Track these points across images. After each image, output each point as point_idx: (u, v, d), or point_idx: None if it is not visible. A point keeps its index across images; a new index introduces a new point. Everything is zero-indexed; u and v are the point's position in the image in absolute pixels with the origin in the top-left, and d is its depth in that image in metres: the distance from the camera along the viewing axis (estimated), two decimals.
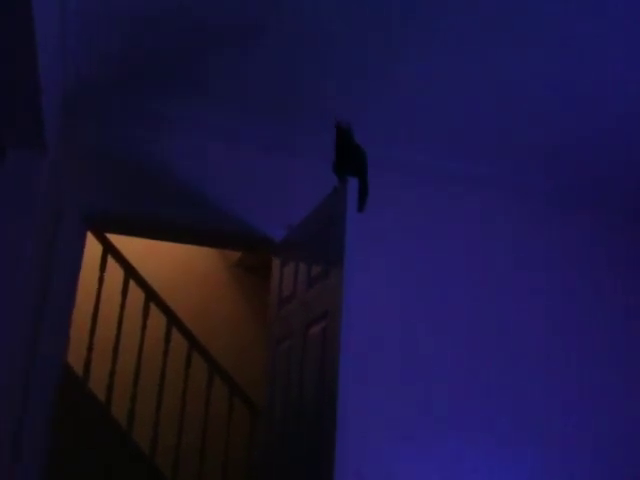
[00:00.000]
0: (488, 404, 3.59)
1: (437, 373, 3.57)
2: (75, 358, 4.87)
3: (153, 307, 5.00)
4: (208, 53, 3.07)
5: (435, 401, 3.53)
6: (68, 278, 3.32)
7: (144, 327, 4.83)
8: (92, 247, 5.31)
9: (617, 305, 3.95)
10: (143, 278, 4.96)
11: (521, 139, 3.59)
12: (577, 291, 3.91)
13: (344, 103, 3.38)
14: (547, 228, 3.97)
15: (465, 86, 3.19)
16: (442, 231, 3.81)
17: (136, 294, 5.11)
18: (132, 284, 4.99)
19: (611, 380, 3.81)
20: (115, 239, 5.40)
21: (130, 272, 4.88)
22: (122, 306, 4.79)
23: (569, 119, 3.38)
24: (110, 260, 4.94)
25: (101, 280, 4.72)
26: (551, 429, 3.64)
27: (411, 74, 3.14)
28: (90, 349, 4.61)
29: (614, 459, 3.69)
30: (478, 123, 3.48)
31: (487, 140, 3.62)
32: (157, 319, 5.15)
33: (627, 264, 4.04)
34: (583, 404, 3.74)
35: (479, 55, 2.96)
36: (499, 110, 3.36)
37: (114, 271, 5.10)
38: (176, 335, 5.10)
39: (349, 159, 2.84)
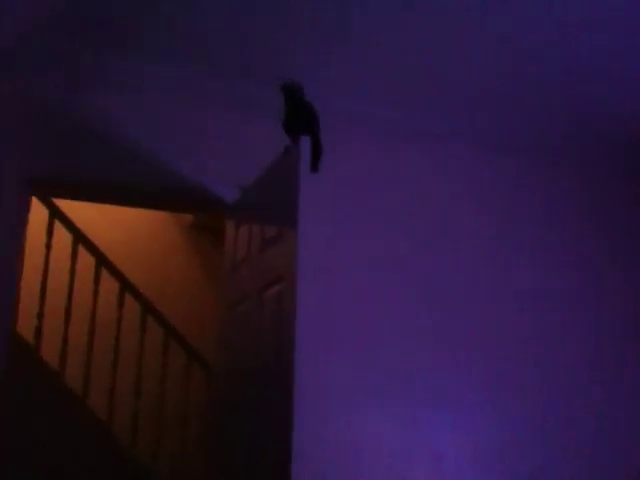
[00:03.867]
0: (448, 364, 3.60)
1: (398, 334, 3.55)
2: (26, 327, 4.75)
3: (105, 272, 4.89)
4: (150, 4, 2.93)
5: (393, 361, 3.52)
6: (13, 245, 3.21)
7: (96, 292, 4.72)
8: (39, 213, 5.15)
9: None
10: (93, 242, 4.84)
11: (492, 91, 3.53)
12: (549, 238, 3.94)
13: (300, 58, 3.26)
14: (527, 182, 3.97)
15: (434, 36, 3.09)
16: (403, 190, 3.74)
17: (87, 259, 4.97)
18: (82, 249, 4.87)
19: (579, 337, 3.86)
20: (63, 204, 5.24)
21: (79, 236, 4.75)
22: (72, 271, 4.67)
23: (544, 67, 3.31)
24: (58, 226, 4.80)
25: (49, 246, 4.58)
26: (512, 388, 3.66)
27: (371, 24, 3.02)
28: (40, 317, 4.50)
29: (575, 424, 3.75)
30: (444, 75, 3.40)
31: (451, 92, 3.55)
32: (109, 284, 5.03)
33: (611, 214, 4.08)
34: (552, 361, 3.77)
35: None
36: (470, 63, 3.28)
37: (63, 236, 4.95)
38: (129, 300, 4.99)
39: (300, 118, 2.76)
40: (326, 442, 3.32)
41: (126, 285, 4.88)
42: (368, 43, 3.14)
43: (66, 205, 4.92)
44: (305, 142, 2.66)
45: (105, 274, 4.90)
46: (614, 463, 3.72)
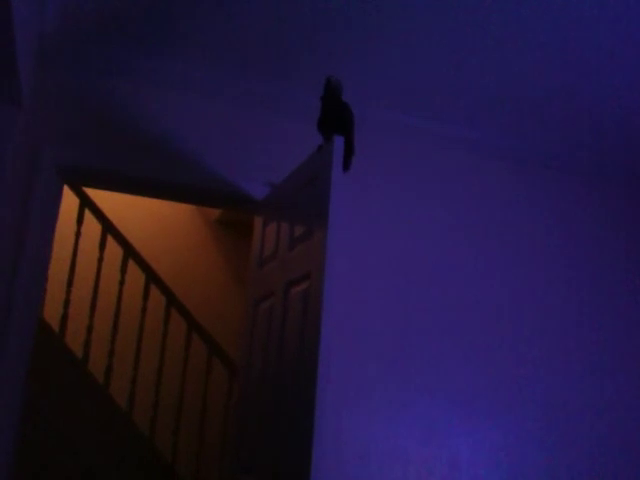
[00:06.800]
0: (468, 370, 3.59)
1: (419, 337, 3.56)
2: (51, 314, 4.81)
3: (131, 263, 4.93)
4: (188, 2, 2.95)
5: (415, 366, 3.52)
6: (44, 232, 3.24)
7: (122, 283, 4.77)
8: (69, 201, 5.21)
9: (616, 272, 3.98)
10: (121, 233, 4.88)
11: (515, 100, 3.52)
12: (568, 253, 3.91)
13: (332, 61, 3.27)
14: (541, 192, 3.96)
15: (460, 44, 3.11)
16: (430, 192, 3.75)
17: (114, 250, 5.03)
18: (110, 240, 4.91)
19: (595, 346, 3.84)
20: (93, 194, 5.30)
21: (108, 226, 4.80)
22: (99, 260, 4.71)
23: (566, 77, 3.31)
24: (88, 216, 4.85)
25: (78, 234, 4.63)
26: (530, 397, 3.65)
27: (406, 30, 3.03)
28: (67, 304, 4.55)
29: (593, 430, 3.73)
30: (471, 84, 3.40)
31: (479, 102, 3.56)
32: (135, 275, 5.08)
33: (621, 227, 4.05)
34: (566, 373, 3.76)
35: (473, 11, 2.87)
36: (494, 70, 3.28)
37: (91, 226, 5.01)
38: (154, 292, 5.04)
39: (336, 116, 2.77)
40: (346, 444, 3.33)
41: (151, 277, 4.92)
42: (406, 47, 3.14)
43: (95, 195, 4.98)
44: (339, 141, 2.66)
45: (131, 265, 4.95)
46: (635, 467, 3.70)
